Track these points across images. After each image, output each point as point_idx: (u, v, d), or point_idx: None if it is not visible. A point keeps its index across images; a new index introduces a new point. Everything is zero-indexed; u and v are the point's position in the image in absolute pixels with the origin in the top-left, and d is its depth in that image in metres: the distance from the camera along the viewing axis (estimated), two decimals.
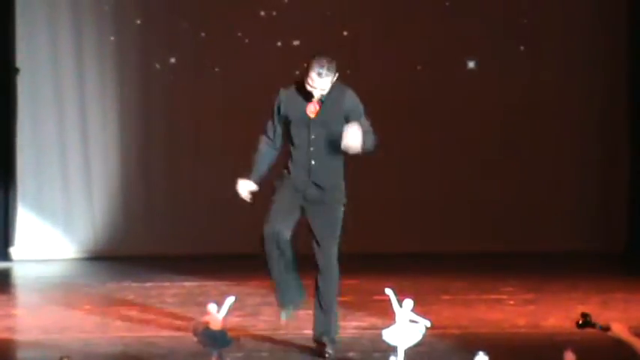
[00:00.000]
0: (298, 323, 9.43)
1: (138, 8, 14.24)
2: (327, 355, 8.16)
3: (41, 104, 14.11)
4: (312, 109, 8.22)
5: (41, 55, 14.10)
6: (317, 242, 8.24)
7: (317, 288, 8.31)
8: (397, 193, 14.01)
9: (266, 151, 8.36)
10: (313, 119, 8.20)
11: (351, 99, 8.27)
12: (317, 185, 8.22)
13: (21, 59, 13.96)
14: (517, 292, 11.29)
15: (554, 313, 10.09)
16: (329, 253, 8.24)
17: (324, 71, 8.08)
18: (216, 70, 14.28)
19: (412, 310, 7.75)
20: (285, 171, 8.31)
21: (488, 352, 7.68)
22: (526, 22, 14.29)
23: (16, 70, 13.94)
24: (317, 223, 8.24)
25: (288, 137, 8.31)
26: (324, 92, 8.17)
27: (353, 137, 8.05)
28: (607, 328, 6.51)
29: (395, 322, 7.74)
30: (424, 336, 7.77)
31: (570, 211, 14.17)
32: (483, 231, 13.97)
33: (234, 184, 8.29)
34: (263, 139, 8.37)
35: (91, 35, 14.21)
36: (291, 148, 8.29)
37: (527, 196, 14.16)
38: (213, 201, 13.85)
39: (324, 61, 8.10)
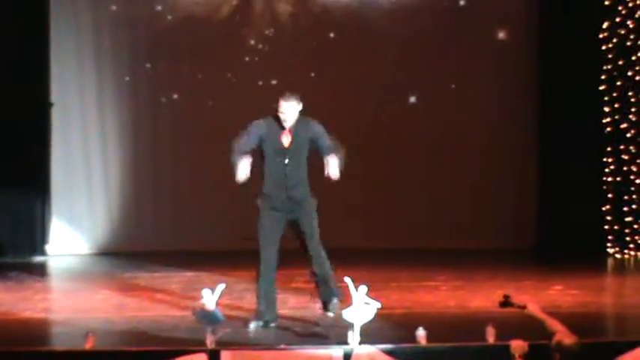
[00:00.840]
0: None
1: (148, 55, 14.20)
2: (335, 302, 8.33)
3: (70, 132, 14.04)
4: (285, 139, 8.33)
5: (70, 91, 14.04)
6: (307, 237, 8.39)
7: (314, 273, 8.45)
8: (355, 201, 14.00)
9: (245, 149, 8.42)
10: (287, 148, 8.34)
11: (315, 126, 8.44)
12: (292, 199, 8.36)
13: (54, 95, 13.91)
14: (449, 280, 11.29)
15: (477, 297, 10.10)
16: (318, 242, 8.43)
17: (287, 96, 8.28)
18: (210, 103, 14.25)
19: (366, 294, 7.77)
20: (264, 192, 8.40)
21: (426, 327, 7.74)
22: (457, 65, 14.33)
23: (50, 104, 13.88)
24: (303, 223, 8.40)
25: (265, 162, 8.40)
26: (292, 118, 8.28)
27: (334, 169, 8.30)
28: (523, 307, 6.53)
29: (352, 304, 7.75)
30: (376, 315, 7.80)
31: (491, 214, 14.18)
32: (422, 232, 13.97)
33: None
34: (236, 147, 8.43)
35: (110, 76, 14.16)
36: (268, 171, 8.38)
37: (457, 203, 14.16)
38: (208, 208, 13.85)
39: (287, 92, 8.35)
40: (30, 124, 13.58)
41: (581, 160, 13.61)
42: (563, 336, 6.04)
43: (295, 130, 8.39)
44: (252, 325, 8.40)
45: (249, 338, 8.07)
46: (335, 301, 8.36)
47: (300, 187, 8.42)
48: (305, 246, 8.49)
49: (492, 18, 14.33)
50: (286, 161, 8.36)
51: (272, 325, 8.47)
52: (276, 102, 8.41)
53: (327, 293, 8.44)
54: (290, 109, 8.33)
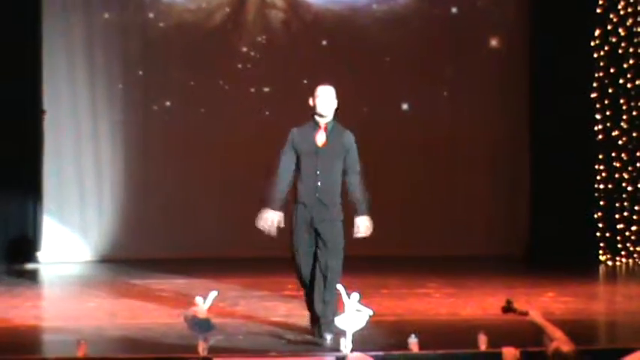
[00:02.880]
0: (266, 313, 9.46)
1: (140, 62, 14.19)
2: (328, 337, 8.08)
3: (63, 139, 14.02)
4: (320, 138, 8.13)
5: (63, 98, 14.02)
6: (325, 248, 8.13)
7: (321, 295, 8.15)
8: (346, 209, 13.98)
9: (285, 177, 8.16)
10: (321, 147, 8.13)
11: (351, 137, 8.27)
12: (322, 202, 8.11)
13: (47, 102, 13.89)
14: (440, 287, 11.28)
15: (469, 304, 10.11)
16: (337, 258, 8.19)
17: (326, 85, 8.23)
18: (202, 110, 14.24)
19: (358, 302, 7.76)
20: (298, 200, 8.12)
21: (418, 334, 7.73)
22: (449, 73, 14.35)
23: (42, 112, 13.86)
24: (325, 231, 8.12)
25: (297, 166, 8.15)
26: (330, 106, 8.15)
27: (365, 231, 8.23)
28: (525, 313, 6.52)
29: (344, 311, 7.74)
30: (368, 322, 7.78)
31: (483, 222, 14.20)
32: (414, 239, 13.97)
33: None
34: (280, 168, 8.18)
35: (103, 83, 14.15)
36: (301, 173, 8.13)
37: (449, 211, 14.17)
38: (200, 215, 13.84)
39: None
40: (22, 131, 13.56)
41: (573, 167, 13.63)
42: (561, 343, 6.04)
43: (331, 132, 8.18)
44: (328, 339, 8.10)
45: (241, 346, 8.04)
46: (329, 337, 8.05)
47: (330, 192, 8.12)
48: (320, 263, 8.11)
49: (484, 26, 14.37)
50: (318, 162, 8.09)
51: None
52: (312, 95, 8.21)
53: (322, 323, 8.13)
54: (328, 95, 8.15)
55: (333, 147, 8.14)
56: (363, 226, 8.20)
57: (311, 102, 8.22)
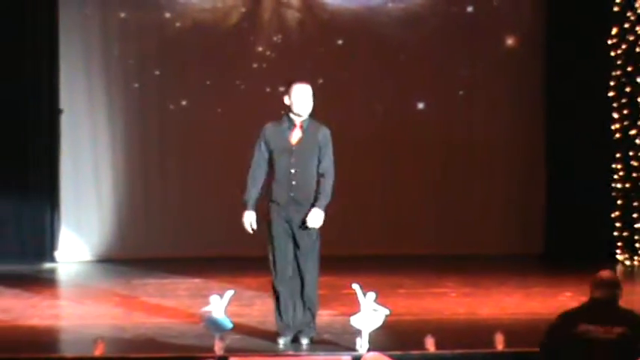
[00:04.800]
0: None
1: (156, 62, 14.23)
2: (305, 342, 7.97)
3: (79, 139, 14.07)
4: (295, 136, 7.97)
5: (79, 98, 14.06)
6: (301, 251, 7.97)
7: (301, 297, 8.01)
8: (362, 208, 14.01)
9: (257, 175, 8.06)
10: (294, 145, 7.96)
11: (325, 136, 8.01)
12: (296, 201, 7.96)
13: (63, 102, 13.94)
14: (457, 286, 11.26)
15: (486, 304, 10.09)
16: (313, 261, 7.99)
17: (300, 81, 8.01)
18: (218, 110, 14.27)
19: (374, 301, 7.75)
20: (272, 199, 7.98)
21: (434, 334, 7.70)
22: (465, 72, 14.33)
23: (59, 111, 13.91)
24: (300, 232, 7.98)
25: (270, 163, 8.01)
26: (307, 105, 7.92)
27: (313, 223, 7.89)
28: None
29: (360, 311, 7.74)
30: (384, 321, 7.78)
31: (499, 221, 14.17)
32: (430, 238, 13.97)
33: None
34: (252, 165, 8.08)
35: (119, 83, 14.19)
36: (274, 171, 7.98)
37: (465, 210, 14.16)
38: (216, 214, 13.84)
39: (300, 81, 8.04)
40: (39, 131, 13.61)
41: (590, 166, 13.59)
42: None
43: (307, 130, 7.99)
44: (281, 341, 8.02)
45: (257, 345, 8.04)
46: (305, 341, 7.96)
47: (305, 190, 7.95)
48: (298, 264, 7.99)
49: (500, 25, 14.33)
50: (292, 160, 7.93)
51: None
52: (287, 91, 8.00)
53: (302, 325, 8.02)
54: (305, 94, 7.94)
55: (307, 145, 7.96)
56: (313, 217, 7.89)
57: (287, 100, 8.00)
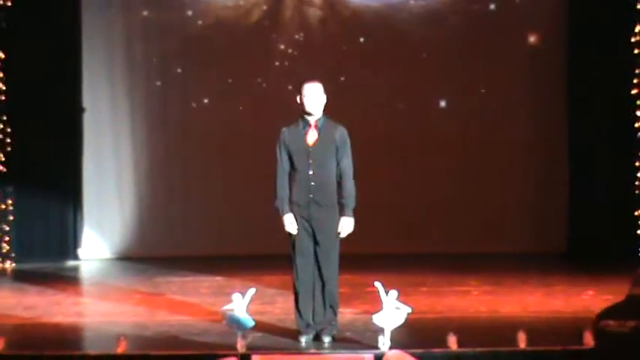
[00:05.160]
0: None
1: (179, 60, 14.27)
2: (327, 340, 7.99)
3: (101, 137, 14.14)
4: (311, 137, 7.96)
5: (102, 97, 14.13)
6: (321, 252, 7.98)
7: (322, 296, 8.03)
8: (385, 206, 14.00)
9: (284, 178, 8.05)
10: (312, 146, 7.96)
11: (343, 136, 8.00)
12: (317, 203, 7.97)
13: (86, 101, 14.00)
14: (480, 284, 11.23)
15: (508, 302, 10.06)
16: (334, 263, 8.00)
17: (310, 80, 7.98)
18: (240, 108, 14.29)
19: (396, 299, 7.76)
20: (292, 200, 7.98)
21: (456, 332, 7.70)
22: (487, 70, 14.30)
23: (82, 110, 13.97)
24: (321, 233, 7.97)
25: (290, 165, 8.02)
26: (318, 104, 7.91)
27: (345, 232, 7.95)
28: None
29: (382, 309, 7.74)
30: (406, 319, 7.78)
31: (522, 220, 14.12)
32: (453, 236, 13.95)
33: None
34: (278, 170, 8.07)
35: (141, 81, 14.25)
36: (294, 173, 8.00)
37: (487, 208, 14.13)
38: (238, 212, 13.89)
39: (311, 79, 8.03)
40: (62, 129, 13.67)
41: (614, 164, 13.54)
42: None
43: (322, 130, 7.98)
44: (304, 340, 8.04)
45: (279, 342, 8.06)
46: (327, 339, 7.97)
47: (325, 191, 7.96)
48: (318, 263, 8.01)
49: (523, 22, 14.29)
50: (310, 161, 7.93)
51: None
52: (298, 91, 8.01)
53: (324, 324, 8.04)
54: (315, 92, 7.93)
55: (324, 145, 7.95)
56: (344, 227, 7.96)
57: (298, 100, 8.01)
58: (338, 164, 8.00)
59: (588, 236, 13.64)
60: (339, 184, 8.01)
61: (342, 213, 7.97)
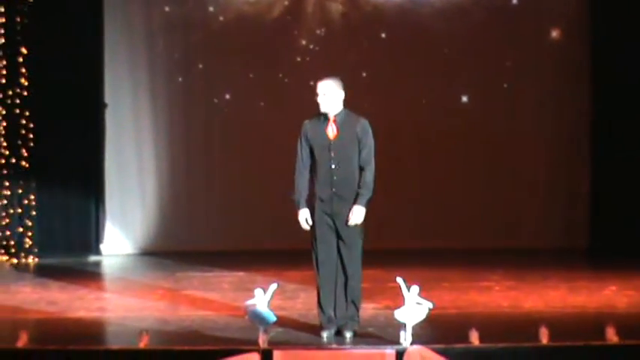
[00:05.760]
0: None
1: (200, 55, 14.29)
2: (349, 335, 8.01)
3: (123, 132, 14.18)
4: (331, 131, 8.00)
5: (124, 92, 14.16)
6: (344, 246, 7.97)
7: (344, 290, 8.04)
8: (408, 201, 14.01)
9: (303, 172, 8.09)
10: (332, 140, 7.99)
11: (364, 128, 8.01)
12: (339, 197, 7.98)
13: (108, 96, 14.04)
14: (502, 280, 11.22)
15: (531, 297, 10.05)
16: (356, 257, 8.00)
17: (324, 80, 8.01)
18: (262, 104, 14.31)
19: (418, 294, 7.76)
20: (315, 193, 8.01)
21: (478, 328, 7.69)
22: (509, 65, 14.27)
23: (104, 105, 14.02)
24: (343, 227, 7.98)
25: (312, 160, 8.05)
26: (330, 100, 7.95)
27: (354, 221, 7.91)
28: None
29: (404, 304, 7.74)
30: (428, 315, 7.78)
31: (544, 215, 14.11)
32: (474, 231, 13.94)
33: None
34: (297, 163, 8.11)
35: (163, 76, 14.28)
36: (316, 167, 8.02)
37: (509, 203, 14.10)
38: (260, 207, 13.90)
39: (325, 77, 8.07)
40: (84, 125, 13.71)
41: (636, 159, 13.48)
42: None
43: (342, 123, 8.00)
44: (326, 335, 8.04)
45: (301, 338, 8.07)
46: (349, 334, 7.98)
47: (347, 184, 7.97)
48: (341, 258, 8.03)
49: (545, 17, 14.24)
50: (332, 155, 7.95)
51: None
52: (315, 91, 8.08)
53: (345, 319, 8.04)
54: (326, 89, 7.97)
55: (345, 138, 7.97)
56: (354, 215, 7.92)
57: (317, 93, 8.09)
58: (359, 157, 8.01)
59: (612, 232, 13.58)
60: (360, 176, 8.01)
61: (355, 201, 7.95)
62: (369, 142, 8.03)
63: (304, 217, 8.04)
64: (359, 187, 7.98)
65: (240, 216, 14.11)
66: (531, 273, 11.63)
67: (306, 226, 8.06)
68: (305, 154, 8.08)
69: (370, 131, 8.05)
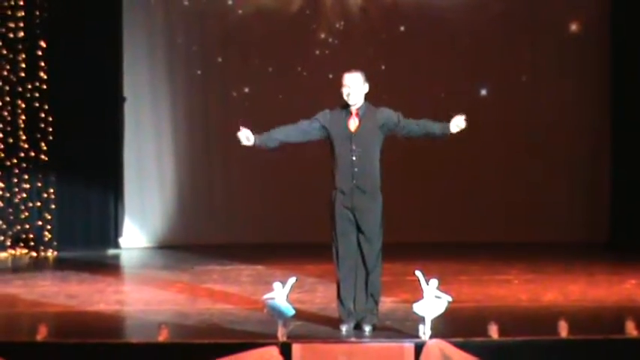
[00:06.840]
0: None
1: (219, 49, 14.33)
2: (367, 330, 8.01)
3: (142, 126, 14.23)
4: (352, 123, 8.01)
5: (143, 86, 14.21)
6: (364, 239, 7.98)
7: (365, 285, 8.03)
8: (427, 195, 14.01)
9: (288, 128, 8.35)
10: (354, 133, 8.00)
11: (384, 112, 8.05)
12: (360, 189, 8.01)
13: (127, 90, 14.09)
14: (520, 273, 11.21)
15: (550, 291, 10.03)
16: (376, 251, 8.01)
17: (350, 70, 8.05)
18: (280, 97, 14.31)
19: (437, 288, 7.75)
20: (335, 186, 8.01)
21: (498, 321, 7.68)
22: (528, 58, 14.24)
23: (123, 99, 14.06)
24: (363, 220, 7.97)
25: (332, 152, 8.06)
26: (357, 93, 7.97)
27: (460, 123, 8.01)
28: None
29: (423, 298, 7.75)
30: (447, 308, 7.78)
31: (564, 209, 14.08)
32: (494, 225, 13.92)
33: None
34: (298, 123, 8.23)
35: (182, 70, 14.32)
36: (336, 160, 8.03)
37: (529, 197, 14.08)
38: (279, 201, 13.92)
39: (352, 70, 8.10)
40: (102, 118, 13.75)
41: None
42: None
43: (364, 116, 8.02)
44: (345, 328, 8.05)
45: (319, 331, 8.08)
46: (368, 328, 7.97)
47: (368, 177, 7.99)
48: (362, 252, 8.01)
49: (564, 10, 14.21)
50: (353, 147, 7.96)
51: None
52: (341, 84, 8.08)
53: (365, 312, 8.04)
54: (353, 82, 8.00)
55: (366, 130, 7.99)
56: (457, 121, 8.03)
57: (342, 85, 8.09)
58: (394, 129, 8.02)
59: (631, 225, 13.54)
60: (423, 125, 8.04)
61: (445, 125, 8.00)
62: (393, 115, 8.04)
63: (245, 135, 8.51)
64: (433, 123, 8.05)
65: (258, 209, 14.13)
66: (551, 266, 11.62)
67: (244, 140, 8.54)
68: (306, 126, 8.19)
69: (389, 110, 8.08)
